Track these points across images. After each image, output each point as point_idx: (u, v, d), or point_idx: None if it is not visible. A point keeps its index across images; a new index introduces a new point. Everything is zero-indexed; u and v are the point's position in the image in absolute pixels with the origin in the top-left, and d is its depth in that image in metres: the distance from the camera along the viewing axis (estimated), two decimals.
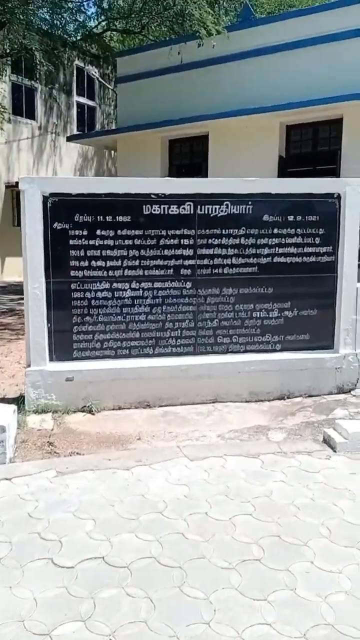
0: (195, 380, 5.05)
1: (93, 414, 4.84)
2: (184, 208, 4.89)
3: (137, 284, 4.93)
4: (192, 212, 4.90)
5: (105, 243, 4.82)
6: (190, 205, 4.89)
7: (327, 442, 3.94)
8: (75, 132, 18.88)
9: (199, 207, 4.90)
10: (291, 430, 4.38)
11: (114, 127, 17.35)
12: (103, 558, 2.55)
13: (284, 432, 4.35)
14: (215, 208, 4.93)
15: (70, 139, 15.07)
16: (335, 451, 3.78)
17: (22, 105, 17.71)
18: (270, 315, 5.17)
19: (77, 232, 4.77)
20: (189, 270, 4.99)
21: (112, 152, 17.27)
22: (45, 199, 4.68)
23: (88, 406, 4.87)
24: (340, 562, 2.48)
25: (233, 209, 4.95)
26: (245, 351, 5.17)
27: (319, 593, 2.26)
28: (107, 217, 4.79)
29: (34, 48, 10.51)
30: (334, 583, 2.33)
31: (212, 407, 5.01)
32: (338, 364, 5.24)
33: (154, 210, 4.85)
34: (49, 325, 4.82)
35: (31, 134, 18.12)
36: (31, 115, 18.12)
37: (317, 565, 2.45)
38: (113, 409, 4.95)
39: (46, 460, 3.80)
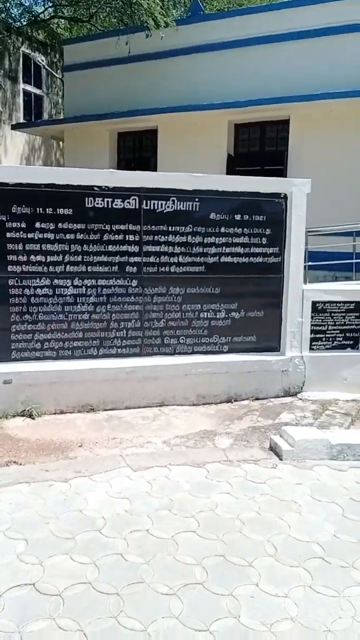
0: (141, 383, 4.87)
1: (33, 419, 4.57)
2: (128, 202, 4.68)
3: (80, 281, 4.69)
4: (137, 206, 4.70)
5: (45, 237, 4.56)
6: (135, 199, 4.69)
7: (274, 449, 3.84)
8: (21, 120, 18.21)
9: (144, 201, 4.71)
10: (238, 436, 4.27)
11: (61, 117, 16.82)
12: (34, 585, 2.33)
13: (231, 438, 4.23)
14: (162, 203, 4.75)
15: (15, 127, 14.49)
16: (281, 459, 3.68)
17: None
18: (218, 316, 5.04)
19: (14, 225, 4.48)
20: (135, 267, 4.79)
21: (61, 142, 16.77)
22: None
23: (28, 410, 4.60)
24: (286, 585, 2.35)
25: (180, 205, 4.79)
26: (193, 352, 5.03)
27: (264, 620, 2.13)
28: (47, 210, 4.53)
29: None
30: (280, 609, 2.20)
31: (158, 410, 4.85)
32: (284, 367, 5.18)
33: (97, 203, 4.62)
34: None
35: None
36: None
37: (262, 589, 2.32)
38: (55, 413, 4.70)
39: None
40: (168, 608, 2.19)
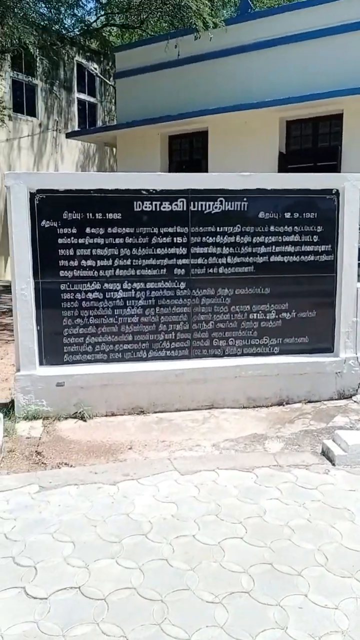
0: (190, 385, 4.84)
1: (85, 421, 4.64)
2: (176, 205, 4.67)
3: (129, 284, 4.72)
4: (185, 208, 4.68)
5: (95, 242, 4.61)
6: (183, 201, 4.67)
7: (326, 454, 3.71)
8: (76, 128, 18.66)
9: (192, 203, 4.68)
10: (289, 440, 4.16)
11: (114, 124, 17.12)
12: (79, 588, 2.34)
13: (282, 442, 4.13)
14: (209, 204, 4.70)
15: (69, 135, 14.84)
16: (334, 464, 3.55)
17: (23, 102, 17.50)
18: (268, 317, 4.94)
19: (65, 230, 4.56)
20: (183, 269, 4.77)
21: (114, 149, 17.06)
22: (32, 196, 4.48)
23: (80, 412, 4.68)
24: (336, 596, 2.25)
25: (228, 205, 4.73)
26: (242, 354, 4.96)
27: (313, 633, 2.04)
28: (96, 215, 4.58)
29: (28, 42, 10.26)
30: (329, 621, 2.10)
31: (207, 413, 4.80)
32: (338, 368, 5.01)
33: (145, 207, 4.63)
34: (38, 328, 4.63)
35: (32, 131, 17.91)
36: (32, 112, 17.91)
37: (311, 599, 2.23)
38: (106, 415, 4.75)
39: (30, 473, 3.59)
40: (213, 617, 2.14)
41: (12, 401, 4.74)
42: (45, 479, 3.41)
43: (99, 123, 20.04)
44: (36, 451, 4.03)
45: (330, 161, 10.47)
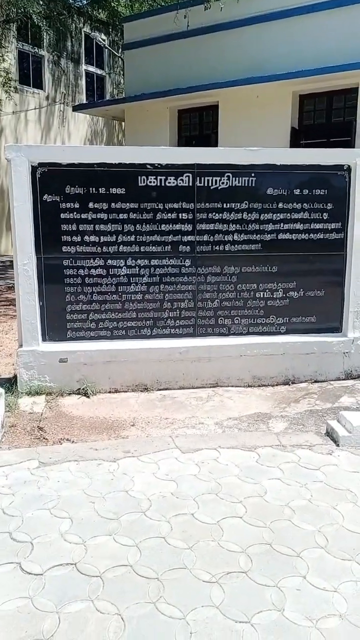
0: (194, 363, 4.79)
1: (88, 397, 4.62)
2: (182, 180, 4.56)
3: (133, 261, 4.64)
4: (190, 184, 4.57)
5: (98, 217, 4.53)
6: (189, 176, 4.56)
7: (330, 435, 3.66)
8: (84, 102, 18.38)
9: (198, 178, 4.57)
10: (293, 420, 4.11)
11: (122, 97, 16.83)
12: (75, 565, 2.32)
13: (286, 421, 4.08)
14: (216, 180, 4.59)
15: (76, 108, 14.61)
16: (338, 445, 3.50)
17: (30, 74, 17.22)
18: (275, 296, 4.86)
19: (68, 205, 4.48)
20: (188, 246, 4.68)
21: (122, 123, 16.80)
22: (34, 169, 4.39)
23: (83, 389, 4.65)
24: (335, 579, 2.22)
25: (235, 181, 4.61)
26: (248, 333, 4.89)
27: (310, 616, 2.01)
28: (100, 189, 4.49)
29: (33, 12, 10.01)
30: (328, 604, 2.07)
31: (212, 391, 4.76)
32: (346, 348, 4.93)
33: (150, 181, 4.53)
34: (41, 303, 4.58)
35: (39, 104, 17.66)
36: (39, 84, 17.64)
37: (309, 582, 2.19)
38: (109, 392, 4.73)
39: (31, 448, 3.57)
40: (209, 596, 2.11)
41: (15, 377, 4.72)
42: (45, 455, 3.40)
43: (107, 96, 19.73)
44: (38, 426, 4.01)
45: (344, 137, 10.23)
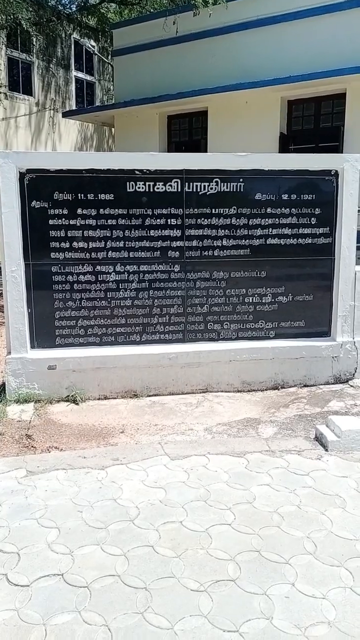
0: (184, 369, 4.78)
1: (77, 404, 4.59)
2: (170, 185, 4.56)
3: (122, 266, 4.63)
4: (179, 189, 4.57)
5: (87, 223, 4.52)
6: (177, 182, 4.56)
7: (319, 439, 3.65)
8: (74, 108, 18.37)
9: (186, 184, 4.57)
10: (283, 424, 4.11)
11: (112, 103, 16.84)
12: (62, 575, 2.29)
13: (275, 426, 4.08)
14: (205, 185, 4.60)
15: (66, 114, 14.60)
16: (326, 450, 3.49)
17: (19, 80, 17.19)
18: (264, 301, 4.86)
19: (57, 211, 4.47)
20: (177, 252, 4.67)
21: (112, 129, 16.81)
22: (22, 176, 4.37)
23: (72, 396, 4.63)
24: (324, 585, 2.21)
25: (223, 186, 4.62)
26: (237, 338, 4.89)
27: (299, 623, 1.99)
28: (88, 195, 4.48)
29: (22, 18, 10.01)
30: (316, 611, 2.06)
31: (201, 397, 4.75)
32: (335, 353, 4.94)
33: (139, 187, 4.53)
34: (29, 310, 4.56)
35: (29, 110, 17.63)
36: (28, 91, 17.61)
37: (298, 589, 2.18)
38: (98, 399, 4.70)
39: (18, 457, 3.54)
40: (197, 606, 2.09)
41: (4, 384, 4.68)
42: (33, 463, 3.37)
43: (97, 102, 19.74)
44: (26, 434, 3.98)
45: (332, 142, 10.30)
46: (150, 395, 4.76)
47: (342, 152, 9.60)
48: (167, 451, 3.52)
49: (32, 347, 4.60)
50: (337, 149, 10.04)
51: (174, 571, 2.30)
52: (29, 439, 3.92)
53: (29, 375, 4.56)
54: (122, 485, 3.06)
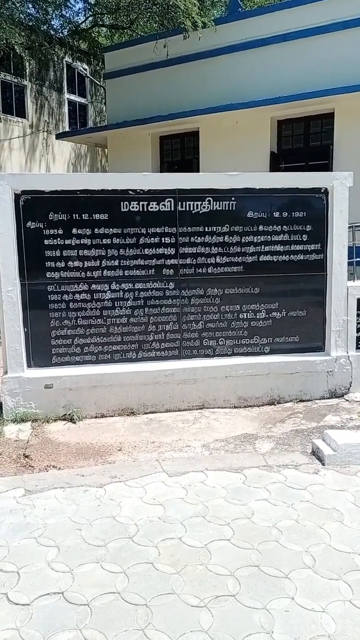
0: (180, 386, 4.80)
1: (74, 423, 4.60)
2: (164, 205, 4.63)
3: (117, 285, 4.68)
4: (172, 208, 4.64)
5: (82, 242, 4.58)
6: (170, 201, 4.63)
7: (316, 454, 3.68)
8: (67, 129, 18.58)
9: (179, 203, 4.65)
10: (279, 440, 4.13)
11: (104, 125, 17.05)
12: (62, 594, 2.29)
13: (272, 442, 4.10)
14: (197, 204, 4.67)
15: (59, 136, 14.75)
16: (323, 464, 3.52)
17: (12, 103, 17.40)
18: (258, 317, 4.91)
19: (52, 232, 4.53)
20: (172, 270, 4.73)
21: (105, 149, 17.01)
22: (17, 197, 4.44)
23: (69, 414, 4.63)
24: (324, 599, 2.22)
25: (216, 205, 4.70)
26: (233, 354, 4.93)
27: (299, 637, 2.00)
28: (83, 215, 4.55)
29: (15, 43, 10.18)
30: (316, 625, 2.07)
31: (198, 413, 4.77)
32: (330, 367, 4.98)
33: (133, 207, 4.60)
34: (26, 330, 4.58)
35: (22, 132, 17.82)
36: (22, 113, 17.82)
37: (298, 603, 2.19)
38: (95, 417, 4.71)
39: (16, 476, 3.54)
40: (197, 621, 2.10)
41: (1, 404, 4.69)
42: (31, 483, 3.37)
43: (90, 124, 19.97)
44: (24, 454, 3.98)
45: (322, 160, 10.46)
46: (147, 413, 4.77)
47: (332, 170, 9.76)
48: (165, 468, 3.53)
49: (29, 366, 4.62)
50: (327, 167, 10.19)
51: (174, 587, 2.30)
52: (26, 459, 3.92)
53: (26, 394, 4.57)
54: (121, 502, 3.07)
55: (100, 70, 18.60)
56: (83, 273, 4.61)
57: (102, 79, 17.94)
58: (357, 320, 5.03)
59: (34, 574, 2.44)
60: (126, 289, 4.69)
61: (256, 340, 4.94)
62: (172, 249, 4.69)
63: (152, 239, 4.66)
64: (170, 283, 4.74)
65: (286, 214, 4.83)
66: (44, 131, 18.36)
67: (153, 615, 2.14)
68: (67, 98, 19.17)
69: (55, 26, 13.78)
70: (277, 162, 10.98)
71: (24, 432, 4.38)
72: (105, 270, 4.64)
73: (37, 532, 2.77)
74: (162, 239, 4.67)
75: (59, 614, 2.17)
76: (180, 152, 12.74)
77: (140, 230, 4.64)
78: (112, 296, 4.67)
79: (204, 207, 4.69)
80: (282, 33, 10.48)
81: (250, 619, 2.11)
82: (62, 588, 2.33)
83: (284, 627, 2.06)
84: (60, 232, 4.53)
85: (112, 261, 4.63)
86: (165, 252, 4.69)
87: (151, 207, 4.63)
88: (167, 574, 2.40)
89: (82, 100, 19.98)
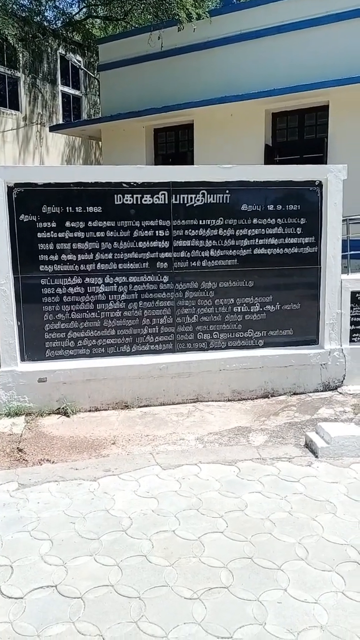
0: (174, 379, 4.80)
1: (68, 416, 4.59)
2: (158, 197, 4.61)
3: (111, 278, 4.66)
4: (166, 201, 4.62)
5: (75, 235, 4.55)
6: (164, 194, 4.61)
7: (309, 446, 3.69)
8: (61, 122, 18.44)
9: (173, 196, 4.63)
10: (273, 432, 4.14)
11: (99, 117, 16.93)
12: (56, 587, 2.29)
13: (266, 435, 4.11)
14: (191, 197, 4.66)
15: (53, 128, 14.64)
16: (317, 457, 3.53)
17: (6, 95, 17.26)
18: (252, 310, 4.91)
19: (45, 225, 4.50)
20: (166, 263, 4.72)
21: (99, 142, 16.91)
22: (10, 190, 4.41)
23: (63, 408, 4.63)
24: (316, 590, 2.23)
25: (210, 197, 4.68)
26: (227, 347, 4.93)
27: (292, 628, 2.01)
28: (76, 208, 4.52)
29: (8, 34, 10.08)
30: (309, 616, 2.08)
31: (192, 407, 4.77)
32: (323, 360, 4.99)
33: (126, 200, 4.58)
34: (19, 323, 4.56)
35: (16, 124, 17.68)
36: (15, 105, 17.67)
37: (290, 594, 2.20)
38: (89, 411, 4.71)
39: (10, 470, 3.53)
40: (191, 613, 2.11)
41: None
42: (25, 476, 3.36)
43: (84, 116, 19.83)
44: (17, 448, 3.97)
45: (316, 153, 10.44)
46: (141, 406, 4.77)
47: (326, 163, 9.74)
48: (158, 461, 3.53)
49: (22, 360, 4.61)
50: (322, 159, 10.16)
51: (167, 580, 2.31)
52: (20, 452, 3.91)
53: (20, 388, 4.56)
54: (115, 496, 3.07)
55: (94, 62, 18.44)
56: (77, 266, 4.59)
57: (96, 71, 17.80)
58: (351, 313, 5.04)
59: (28, 567, 2.44)
60: (120, 282, 4.67)
61: (250, 334, 4.94)
62: (166, 242, 4.68)
63: (146, 232, 4.64)
64: (165, 276, 4.73)
65: (280, 206, 4.82)
66: (37, 123, 18.22)
67: (146, 607, 2.14)
68: (61, 90, 19.01)
69: (48, 17, 13.66)
70: (272, 155, 10.94)
71: (17, 426, 4.37)
72: (99, 263, 4.62)
73: (31, 526, 2.77)
74: (156, 232, 4.66)
75: (52, 607, 2.18)
76: (174, 145, 12.67)
77: (134, 223, 4.62)
78: (106, 289, 4.66)
79: (198, 200, 4.68)
80: (277, 25, 10.41)
81: (243, 610, 2.11)
82: (56, 581, 2.33)
83: (277, 619, 2.07)
84: (54, 225, 4.51)
85: (106, 254, 4.61)
86: (159, 245, 4.68)
87: (145, 200, 4.61)
88: (161, 566, 2.40)
89: (76, 92, 19.83)
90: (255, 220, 4.79)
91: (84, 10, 15.34)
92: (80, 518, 2.83)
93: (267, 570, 2.36)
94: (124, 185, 4.56)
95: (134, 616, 2.10)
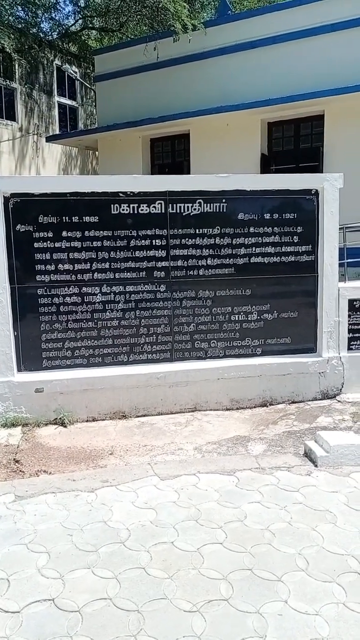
0: (172, 388, 4.78)
1: (65, 427, 4.56)
2: (154, 207, 4.62)
3: (108, 287, 4.65)
4: (163, 210, 4.63)
5: (72, 245, 4.55)
6: (161, 203, 4.62)
7: (308, 455, 3.66)
8: (57, 132, 18.51)
9: (170, 205, 4.63)
10: (272, 441, 4.11)
11: (95, 127, 17.00)
12: (53, 600, 2.26)
13: (265, 444, 4.08)
14: (188, 206, 4.66)
15: (49, 139, 14.70)
16: (316, 466, 3.50)
17: (2, 106, 17.33)
18: (250, 318, 4.91)
19: (42, 234, 4.50)
20: (163, 272, 4.71)
21: (96, 152, 16.97)
22: (6, 200, 4.41)
23: (60, 418, 4.60)
24: (317, 601, 2.20)
25: (206, 206, 4.69)
26: (225, 356, 4.91)
27: None
28: (73, 218, 4.52)
29: (4, 45, 10.13)
30: (310, 628, 2.05)
31: (190, 416, 4.75)
32: (321, 368, 4.98)
33: (123, 209, 4.58)
34: (16, 333, 4.55)
35: (12, 135, 17.74)
36: (11, 116, 17.74)
37: (291, 606, 2.17)
38: (87, 421, 4.68)
39: (6, 482, 3.50)
40: (190, 626, 2.07)
41: None
42: (21, 488, 3.33)
43: (80, 126, 19.92)
44: (14, 459, 3.94)
45: (312, 162, 10.49)
46: (139, 416, 4.74)
47: (322, 172, 9.78)
48: (157, 471, 3.50)
49: (19, 370, 4.59)
50: (318, 168, 10.22)
51: (166, 592, 2.28)
52: (17, 464, 3.88)
53: (16, 398, 4.54)
54: (112, 507, 3.04)
55: (90, 73, 18.54)
56: (73, 276, 4.58)
57: (92, 82, 17.90)
58: (349, 321, 5.04)
59: (24, 580, 2.40)
60: (117, 291, 4.67)
61: (248, 342, 4.93)
62: (163, 251, 4.68)
63: (143, 241, 4.64)
64: (162, 285, 4.72)
65: (277, 215, 4.83)
66: (34, 134, 18.29)
67: (145, 621, 2.11)
68: (57, 101, 19.10)
69: (44, 29, 13.73)
70: (268, 164, 11.00)
71: (14, 436, 4.34)
72: (96, 273, 4.61)
73: (28, 538, 2.74)
74: (153, 241, 4.66)
75: (50, 621, 2.14)
76: (171, 155, 12.72)
77: (131, 232, 4.62)
78: (103, 299, 4.65)
79: (194, 209, 4.68)
80: (272, 35, 10.50)
81: (243, 623, 2.08)
82: (53, 595, 2.29)
83: (278, 631, 2.04)
84: (50, 235, 4.50)
85: (103, 264, 4.61)
86: (156, 255, 4.68)
87: (142, 210, 4.61)
88: (159, 578, 2.37)
89: (73, 103, 19.93)
90: (252, 229, 4.80)
91: (80, 21, 15.43)
92: (77, 530, 2.80)
93: (267, 581, 2.33)
94: (121, 194, 4.57)
95: (133, 630, 2.07)
